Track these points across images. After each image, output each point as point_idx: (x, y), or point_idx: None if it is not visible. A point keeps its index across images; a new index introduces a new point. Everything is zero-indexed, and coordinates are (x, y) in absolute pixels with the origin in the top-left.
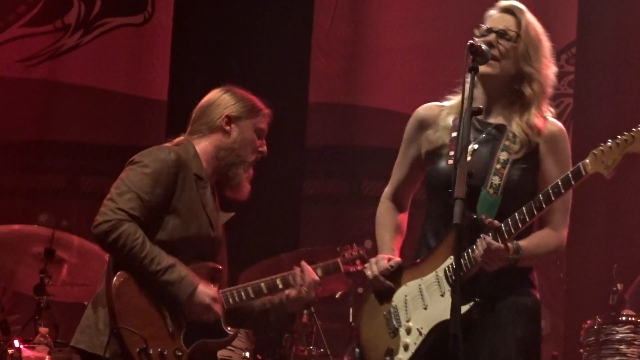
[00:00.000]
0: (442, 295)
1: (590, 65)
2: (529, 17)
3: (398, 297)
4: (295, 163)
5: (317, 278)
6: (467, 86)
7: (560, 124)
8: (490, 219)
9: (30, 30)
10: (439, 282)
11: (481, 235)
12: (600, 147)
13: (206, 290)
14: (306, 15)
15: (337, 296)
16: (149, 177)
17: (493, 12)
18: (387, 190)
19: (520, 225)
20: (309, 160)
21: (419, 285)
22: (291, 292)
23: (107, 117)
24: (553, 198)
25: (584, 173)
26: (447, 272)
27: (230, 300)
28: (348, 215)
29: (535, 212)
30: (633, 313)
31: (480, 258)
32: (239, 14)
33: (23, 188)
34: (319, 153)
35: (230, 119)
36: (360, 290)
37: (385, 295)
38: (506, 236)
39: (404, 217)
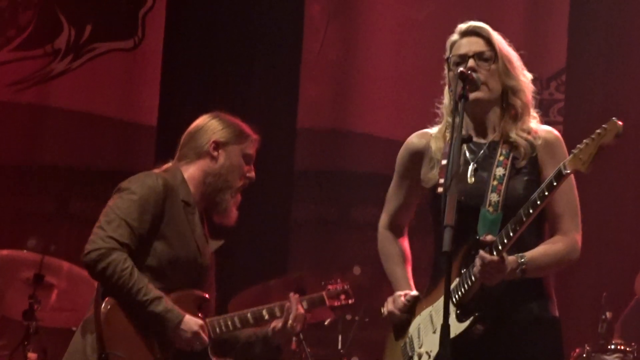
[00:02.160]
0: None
1: (580, 92)
2: (494, 33)
3: (413, 328)
4: (284, 188)
5: (303, 312)
6: (457, 114)
7: (555, 131)
8: (484, 236)
9: (20, 54)
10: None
11: (479, 252)
12: (579, 146)
13: (192, 320)
14: (295, 41)
15: (326, 323)
16: (137, 204)
17: (456, 38)
18: (383, 219)
19: (511, 234)
20: (297, 186)
21: (430, 312)
22: (277, 324)
23: (97, 142)
24: (539, 202)
25: (564, 172)
26: (452, 293)
27: (217, 329)
28: (337, 240)
29: (524, 219)
30: (622, 341)
31: (478, 274)
32: (229, 39)
33: (11, 212)
34: (307, 178)
35: (217, 145)
36: (348, 317)
37: (402, 329)
38: (500, 247)
39: (405, 243)
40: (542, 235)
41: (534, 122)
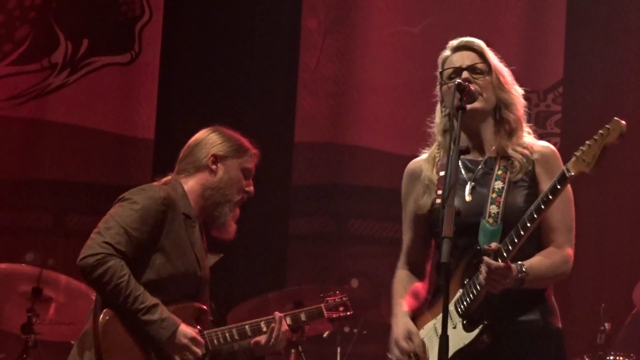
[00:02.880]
0: (454, 328)
1: (578, 104)
2: (488, 49)
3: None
4: (281, 202)
5: (287, 330)
6: (454, 125)
7: (551, 146)
8: (488, 245)
9: (17, 68)
10: (450, 316)
11: (483, 258)
12: (581, 148)
13: (186, 331)
14: (292, 55)
15: (324, 335)
16: (138, 214)
17: (448, 54)
18: (401, 259)
19: (516, 241)
20: (294, 199)
21: (434, 324)
22: (261, 340)
23: (94, 156)
24: (543, 207)
25: (567, 175)
26: (457, 304)
27: (215, 341)
28: (334, 254)
29: (529, 224)
30: (620, 353)
31: (484, 281)
32: (226, 53)
33: (9, 226)
34: (304, 192)
35: (216, 158)
36: (347, 330)
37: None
38: (505, 254)
39: (421, 285)
40: (541, 247)
41: (529, 137)
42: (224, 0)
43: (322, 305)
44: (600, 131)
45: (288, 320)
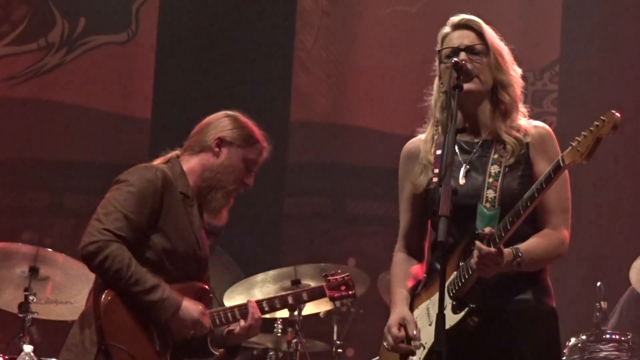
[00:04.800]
0: (445, 309)
1: (574, 83)
2: (486, 26)
3: None
4: (276, 181)
5: (260, 317)
6: (451, 104)
7: (546, 125)
8: (482, 230)
9: (14, 49)
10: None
11: (475, 243)
12: (577, 138)
13: (192, 306)
14: (289, 34)
15: (321, 315)
16: (135, 197)
17: (448, 31)
18: (398, 242)
19: (509, 227)
20: (290, 178)
21: (427, 306)
22: (234, 328)
23: (91, 135)
24: (537, 195)
25: (562, 165)
26: (450, 287)
27: (217, 321)
28: (330, 233)
29: (522, 212)
30: (617, 331)
31: (475, 265)
32: (223, 32)
33: (6, 206)
34: (300, 171)
35: (221, 141)
36: (344, 309)
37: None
38: (497, 240)
39: (419, 267)
40: (538, 228)
41: (524, 120)
42: None
43: (324, 284)
44: (595, 122)
45: (290, 299)
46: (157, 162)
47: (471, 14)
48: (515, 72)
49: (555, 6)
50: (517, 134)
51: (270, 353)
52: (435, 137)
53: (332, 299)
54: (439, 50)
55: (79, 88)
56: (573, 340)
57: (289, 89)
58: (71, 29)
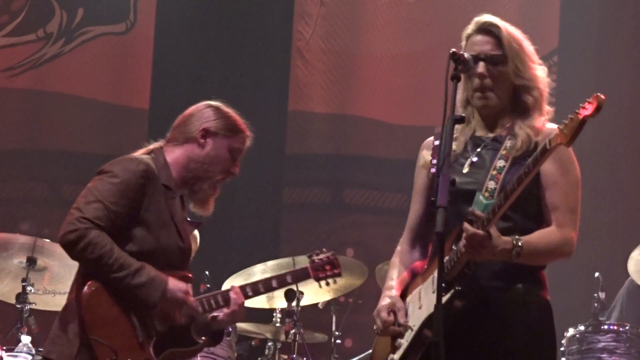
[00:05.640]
0: (433, 292)
1: (573, 73)
2: (508, 29)
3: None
4: (275, 171)
5: (243, 302)
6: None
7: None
8: (472, 209)
9: (13, 39)
10: (433, 281)
11: (463, 223)
12: (564, 121)
13: (178, 285)
14: (287, 24)
15: (320, 306)
16: (117, 187)
17: (470, 33)
18: (403, 235)
19: (497, 210)
20: (288, 168)
21: (419, 290)
22: (219, 315)
23: (89, 126)
24: (524, 177)
25: (548, 147)
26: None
27: (201, 308)
28: (329, 223)
29: (509, 194)
30: (615, 322)
31: (462, 247)
32: (220, 23)
33: (5, 196)
34: (298, 161)
35: (206, 132)
36: (342, 299)
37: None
38: (485, 223)
39: (420, 265)
40: (542, 225)
41: (542, 120)
42: None
43: (308, 265)
44: (581, 105)
45: (274, 283)
46: (141, 152)
47: (470, 5)
48: (537, 70)
49: None
50: (530, 131)
51: (269, 343)
52: (455, 135)
53: (317, 279)
54: (464, 48)
55: (77, 78)
56: (571, 330)
57: (287, 80)
58: (69, 19)
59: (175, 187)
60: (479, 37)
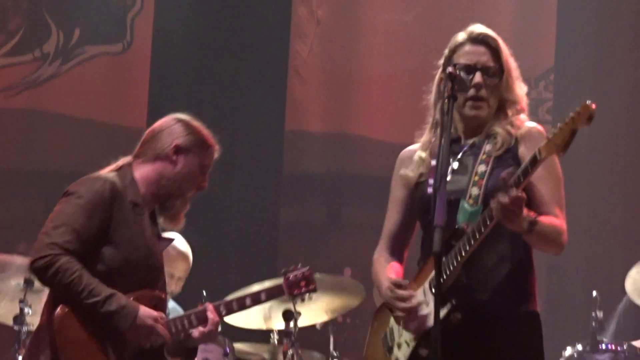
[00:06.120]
0: (427, 306)
1: (569, 91)
2: (502, 45)
3: (392, 319)
4: (272, 190)
5: (218, 321)
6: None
7: (538, 126)
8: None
9: (10, 60)
10: (424, 294)
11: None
12: (553, 131)
13: (148, 313)
14: (284, 43)
15: (317, 326)
16: (84, 209)
17: (463, 40)
18: (380, 245)
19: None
20: (286, 188)
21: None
22: (194, 332)
23: (86, 146)
24: (517, 185)
25: (539, 158)
26: (432, 282)
27: (173, 329)
28: (327, 243)
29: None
30: (613, 341)
31: (500, 210)
32: (217, 42)
33: (2, 217)
34: (295, 180)
35: (178, 149)
36: (340, 319)
37: (383, 320)
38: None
39: (399, 266)
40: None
41: (520, 118)
42: None
43: (283, 282)
44: (571, 114)
45: (248, 301)
46: (108, 169)
47: (465, 23)
48: (521, 89)
49: (550, 15)
50: (509, 127)
51: None
52: (433, 139)
53: (292, 296)
54: (450, 53)
55: (74, 99)
56: (569, 350)
57: (284, 99)
58: (66, 39)
59: (143, 203)
60: (474, 47)
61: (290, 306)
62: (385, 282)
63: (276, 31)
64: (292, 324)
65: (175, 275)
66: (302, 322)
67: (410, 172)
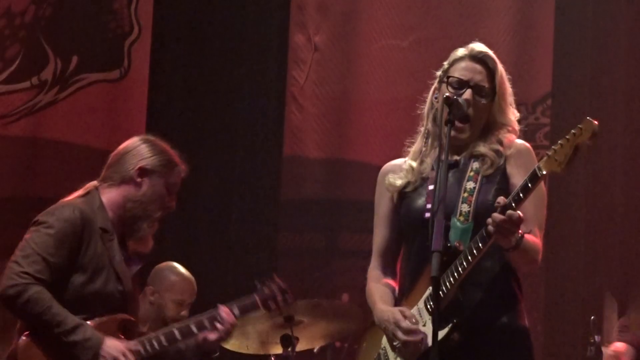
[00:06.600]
0: (424, 326)
1: (566, 117)
2: (500, 68)
3: (385, 339)
4: (270, 216)
5: (235, 321)
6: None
7: (525, 143)
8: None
9: (7, 87)
10: (420, 313)
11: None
12: (554, 147)
13: (113, 344)
14: (281, 70)
15: (315, 351)
16: (54, 238)
17: (462, 55)
18: (372, 262)
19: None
20: (283, 214)
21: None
22: (209, 335)
23: (84, 173)
24: (514, 205)
25: (539, 174)
26: (427, 302)
27: (149, 347)
28: (324, 268)
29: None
30: None
31: (495, 228)
32: (215, 68)
33: (1, 245)
34: (293, 207)
35: (143, 171)
36: (337, 344)
37: (374, 340)
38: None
39: (393, 282)
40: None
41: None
42: (212, 15)
43: (256, 296)
44: (573, 131)
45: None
46: (76, 194)
47: (461, 48)
48: (514, 115)
49: (547, 40)
50: (497, 146)
51: None
52: (424, 149)
53: (267, 308)
54: (447, 69)
55: (72, 126)
56: None
57: (282, 125)
58: (64, 67)
59: (112, 228)
60: (470, 64)
61: (288, 331)
62: (387, 313)
63: (274, 58)
64: (289, 348)
65: (187, 301)
66: (300, 346)
67: (398, 179)
